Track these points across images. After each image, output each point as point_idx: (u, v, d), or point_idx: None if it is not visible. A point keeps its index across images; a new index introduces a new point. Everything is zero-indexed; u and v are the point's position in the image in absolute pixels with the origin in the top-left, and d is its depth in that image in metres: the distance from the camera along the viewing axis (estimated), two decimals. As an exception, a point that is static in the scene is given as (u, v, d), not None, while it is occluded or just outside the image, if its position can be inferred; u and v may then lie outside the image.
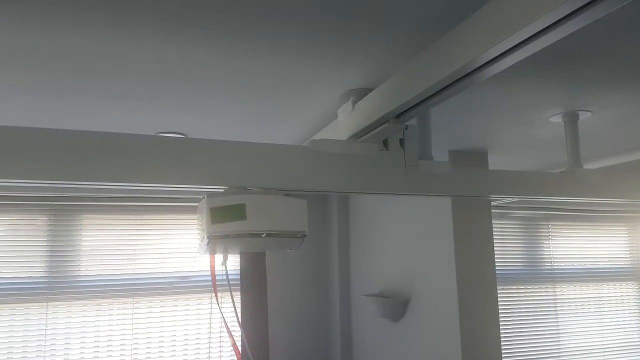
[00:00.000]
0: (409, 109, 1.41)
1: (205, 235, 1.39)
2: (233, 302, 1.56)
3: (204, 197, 1.44)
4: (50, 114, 2.01)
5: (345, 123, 1.80)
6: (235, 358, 3.51)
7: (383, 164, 1.69)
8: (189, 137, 1.55)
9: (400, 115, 1.46)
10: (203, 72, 1.60)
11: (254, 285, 1.64)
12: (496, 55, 1.05)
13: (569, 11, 0.88)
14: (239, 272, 1.67)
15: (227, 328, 1.68)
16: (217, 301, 1.63)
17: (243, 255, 1.63)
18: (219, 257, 1.57)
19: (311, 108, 2.00)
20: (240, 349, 1.61)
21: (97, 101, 1.88)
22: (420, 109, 1.39)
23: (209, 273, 4.02)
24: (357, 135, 1.68)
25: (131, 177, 1.38)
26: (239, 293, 1.65)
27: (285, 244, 1.54)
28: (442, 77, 1.18)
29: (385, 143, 1.72)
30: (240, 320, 1.59)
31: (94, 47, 1.39)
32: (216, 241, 1.41)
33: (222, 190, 1.51)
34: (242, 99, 1.89)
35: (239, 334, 1.57)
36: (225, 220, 1.39)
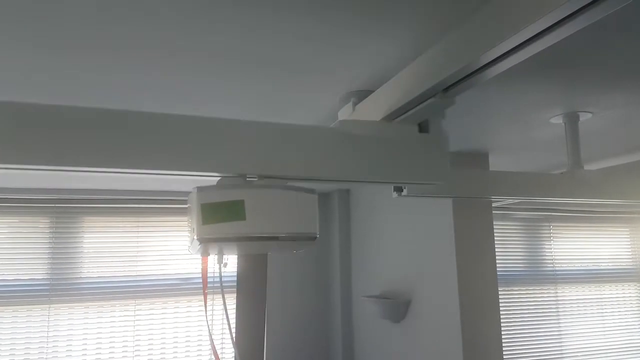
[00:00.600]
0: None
1: (195, 238, 1.16)
2: (225, 307, 1.38)
3: (194, 189, 1.19)
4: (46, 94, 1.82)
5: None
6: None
7: (424, 149, 1.44)
8: (194, 115, 1.25)
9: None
10: (204, 58, 1.52)
11: (252, 290, 1.44)
12: (497, 55, 1.05)
13: (570, 12, 0.88)
14: (236, 274, 1.51)
15: (210, 335, 1.56)
16: (205, 306, 1.42)
17: (241, 257, 1.46)
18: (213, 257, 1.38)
19: (310, 110, 2.00)
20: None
21: (96, 90, 1.75)
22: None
23: (210, 274, 4.03)
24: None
25: (110, 162, 1.13)
26: (233, 296, 1.48)
27: (292, 246, 1.33)
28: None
29: (421, 126, 1.48)
30: (233, 326, 1.38)
31: (93, 29, 1.28)
32: (208, 244, 1.18)
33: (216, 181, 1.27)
34: (248, 86, 1.78)
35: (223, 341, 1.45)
36: (220, 220, 1.16)
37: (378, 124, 1.44)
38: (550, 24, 0.93)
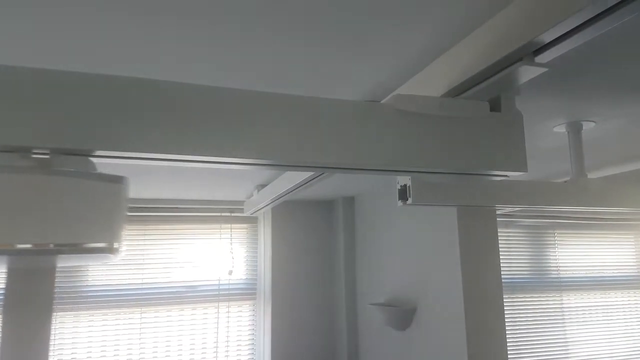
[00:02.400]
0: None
1: None
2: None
3: None
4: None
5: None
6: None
7: (499, 131, 1.17)
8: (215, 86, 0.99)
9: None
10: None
11: (26, 309, 0.98)
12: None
13: (579, 23, 0.88)
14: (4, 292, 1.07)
15: None
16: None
17: (10, 271, 1.03)
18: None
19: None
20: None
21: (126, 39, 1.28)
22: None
23: (215, 282, 4.00)
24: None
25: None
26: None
27: (80, 259, 0.90)
28: None
29: (492, 104, 1.20)
30: None
31: None
32: None
33: None
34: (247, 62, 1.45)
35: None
36: None
37: (443, 100, 1.16)
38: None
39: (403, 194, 1.91)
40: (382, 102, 1.19)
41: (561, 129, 2.14)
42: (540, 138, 2.32)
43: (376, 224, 3.43)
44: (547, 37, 0.94)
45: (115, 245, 0.86)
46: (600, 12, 0.85)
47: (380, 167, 1.07)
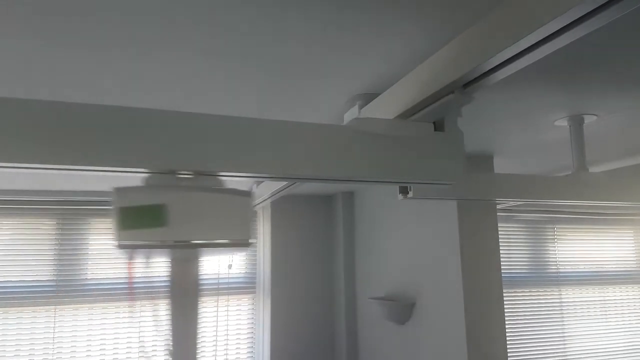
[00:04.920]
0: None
1: (115, 244, 1.04)
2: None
3: (113, 189, 1.07)
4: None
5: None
6: (246, 359, 3.49)
7: (440, 147, 1.40)
8: (199, 113, 1.23)
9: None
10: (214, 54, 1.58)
11: (184, 296, 1.28)
12: (515, 53, 1.04)
13: (578, 16, 0.88)
14: (163, 280, 1.36)
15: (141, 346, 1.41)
16: (133, 313, 1.32)
17: (173, 261, 1.33)
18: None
19: (316, 113, 2.01)
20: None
21: (105, 85, 1.74)
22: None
23: (214, 277, 4.01)
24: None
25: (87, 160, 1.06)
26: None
27: (224, 252, 1.25)
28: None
29: (436, 125, 1.44)
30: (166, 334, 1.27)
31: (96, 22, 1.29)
32: (131, 249, 1.06)
33: (142, 178, 1.16)
34: (244, 95, 1.85)
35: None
36: (138, 226, 1.03)
37: (394, 122, 1.41)
38: (550, 33, 0.94)
39: (404, 187, 1.91)
40: (344, 124, 1.44)
41: (563, 122, 2.13)
42: (542, 132, 2.31)
43: (376, 218, 3.42)
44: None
45: (250, 240, 1.16)
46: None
47: (343, 178, 1.31)
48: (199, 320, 1.30)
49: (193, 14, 1.24)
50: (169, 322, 1.26)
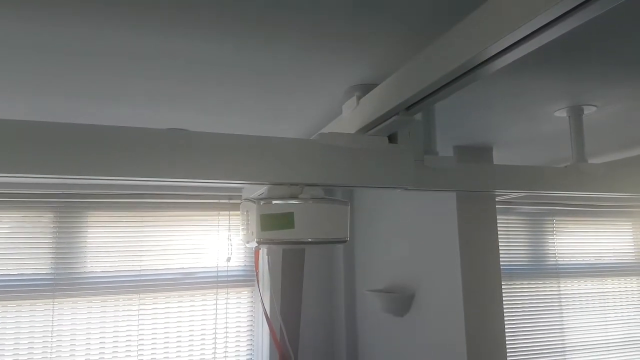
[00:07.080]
0: (420, 100, 1.38)
1: (255, 241, 1.48)
2: (262, 297, 1.76)
3: (250, 199, 1.51)
4: (50, 112, 2.01)
5: (352, 117, 1.77)
6: (246, 352, 3.53)
7: (392, 157, 1.67)
8: (197, 131, 1.51)
9: (410, 107, 1.44)
10: (204, 67, 1.60)
11: (294, 274, 1.83)
12: (501, 49, 1.05)
13: (576, 4, 0.88)
14: (269, 265, 1.88)
15: (268, 318, 1.81)
16: (260, 293, 1.92)
17: (285, 250, 1.74)
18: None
19: (315, 104, 2.01)
20: (278, 337, 1.81)
21: (96, 99, 1.88)
22: (432, 101, 1.36)
23: (214, 269, 4.03)
24: (365, 129, 1.66)
25: (144, 172, 1.41)
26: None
27: (328, 247, 1.65)
28: (450, 70, 1.15)
29: (391, 137, 1.69)
30: (268, 313, 1.71)
31: (93, 41, 1.38)
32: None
33: (266, 189, 1.55)
34: (245, 95, 1.89)
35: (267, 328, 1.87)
36: (274, 228, 1.46)
37: (353, 136, 1.66)
38: (547, 22, 0.93)
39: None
40: (311, 138, 1.70)
41: (562, 113, 2.12)
42: (541, 123, 2.30)
43: (375, 210, 3.42)
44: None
45: (347, 238, 1.57)
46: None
47: (311, 183, 1.57)
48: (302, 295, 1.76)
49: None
50: (280, 294, 1.73)
